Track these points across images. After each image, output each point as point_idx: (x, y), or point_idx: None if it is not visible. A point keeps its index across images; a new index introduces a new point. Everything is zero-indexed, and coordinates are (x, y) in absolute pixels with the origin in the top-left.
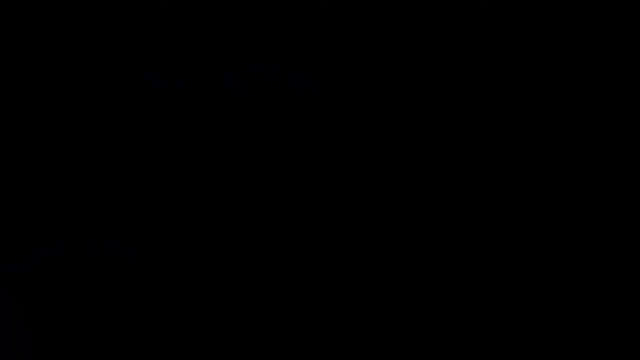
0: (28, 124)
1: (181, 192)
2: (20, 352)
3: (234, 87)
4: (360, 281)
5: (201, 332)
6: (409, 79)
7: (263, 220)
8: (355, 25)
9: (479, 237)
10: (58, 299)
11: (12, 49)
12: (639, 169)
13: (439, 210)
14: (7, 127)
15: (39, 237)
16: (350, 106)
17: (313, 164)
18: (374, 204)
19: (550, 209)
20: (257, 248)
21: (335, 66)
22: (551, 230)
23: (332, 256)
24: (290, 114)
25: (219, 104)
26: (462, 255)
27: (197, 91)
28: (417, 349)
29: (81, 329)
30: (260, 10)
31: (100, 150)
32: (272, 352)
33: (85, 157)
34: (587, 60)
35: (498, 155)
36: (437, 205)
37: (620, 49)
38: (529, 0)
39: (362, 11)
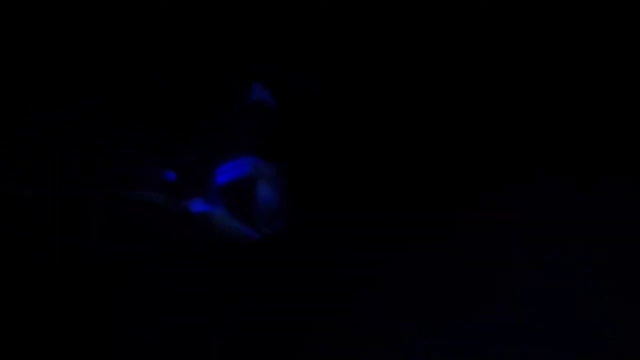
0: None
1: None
2: None
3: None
4: (359, 281)
5: (201, 331)
6: (409, 79)
7: None
8: (356, 25)
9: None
10: (57, 299)
11: (15, 50)
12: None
13: (438, 211)
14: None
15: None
16: (351, 106)
17: (313, 164)
18: (374, 203)
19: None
20: (256, 247)
21: (335, 66)
22: None
23: (330, 255)
24: (290, 114)
25: (220, 103)
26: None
27: (200, 91)
28: None
29: (80, 329)
30: (260, 10)
31: (102, 148)
32: (271, 351)
33: (87, 156)
34: (588, 60)
35: (498, 156)
36: (436, 206)
37: (620, 49)
38: (529, 0)
39: (362, 11)
